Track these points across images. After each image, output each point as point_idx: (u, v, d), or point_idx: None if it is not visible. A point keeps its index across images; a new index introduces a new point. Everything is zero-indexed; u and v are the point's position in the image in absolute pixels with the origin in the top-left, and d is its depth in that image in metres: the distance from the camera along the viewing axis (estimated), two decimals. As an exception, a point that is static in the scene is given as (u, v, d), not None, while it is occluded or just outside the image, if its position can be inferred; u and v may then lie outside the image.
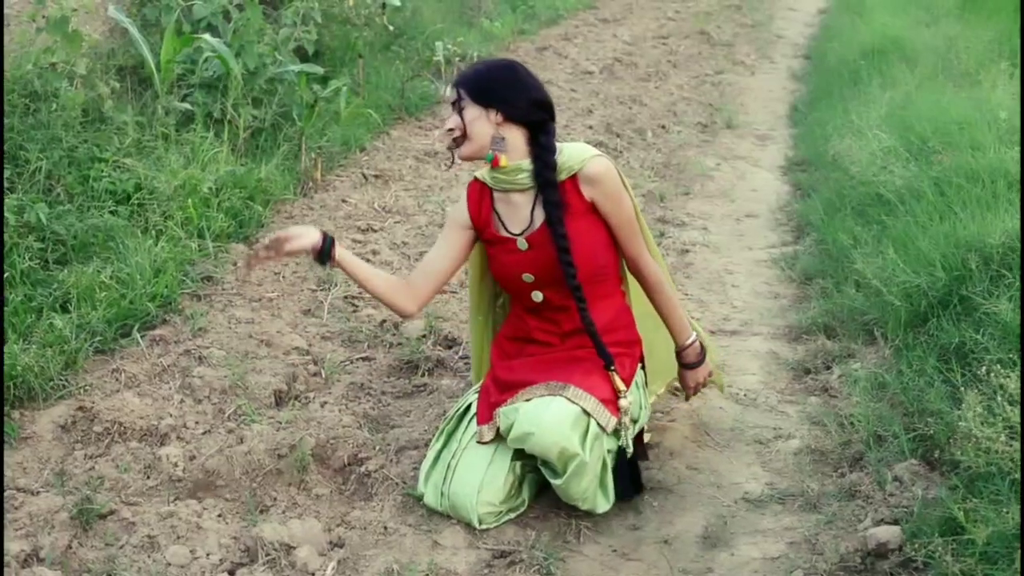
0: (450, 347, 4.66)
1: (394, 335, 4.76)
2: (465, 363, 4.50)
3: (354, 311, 5.02)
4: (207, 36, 6.46)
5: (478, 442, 3.55)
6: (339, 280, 5.24)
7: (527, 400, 3.46)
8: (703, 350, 3.90)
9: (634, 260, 3.67)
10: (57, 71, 5.83)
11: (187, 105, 6.36)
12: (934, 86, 7.34)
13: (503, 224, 3.63)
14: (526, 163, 3.52)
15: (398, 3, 8.68)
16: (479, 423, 3.60)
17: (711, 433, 4.08)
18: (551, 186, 3.49)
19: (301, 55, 7.47)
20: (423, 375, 4.45)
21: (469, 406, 3.70)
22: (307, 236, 3.51)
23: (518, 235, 3.59)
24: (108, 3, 6.79)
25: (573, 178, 3.52)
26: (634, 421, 3.61)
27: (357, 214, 6.22)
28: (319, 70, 7.02)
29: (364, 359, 4.60)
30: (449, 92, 3.58)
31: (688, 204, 6.73)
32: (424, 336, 4.73)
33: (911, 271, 4.51)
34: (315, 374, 4.44)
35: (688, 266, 5.71)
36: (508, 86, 3.52)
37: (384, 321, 4.88)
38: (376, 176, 6.85)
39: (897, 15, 10.50)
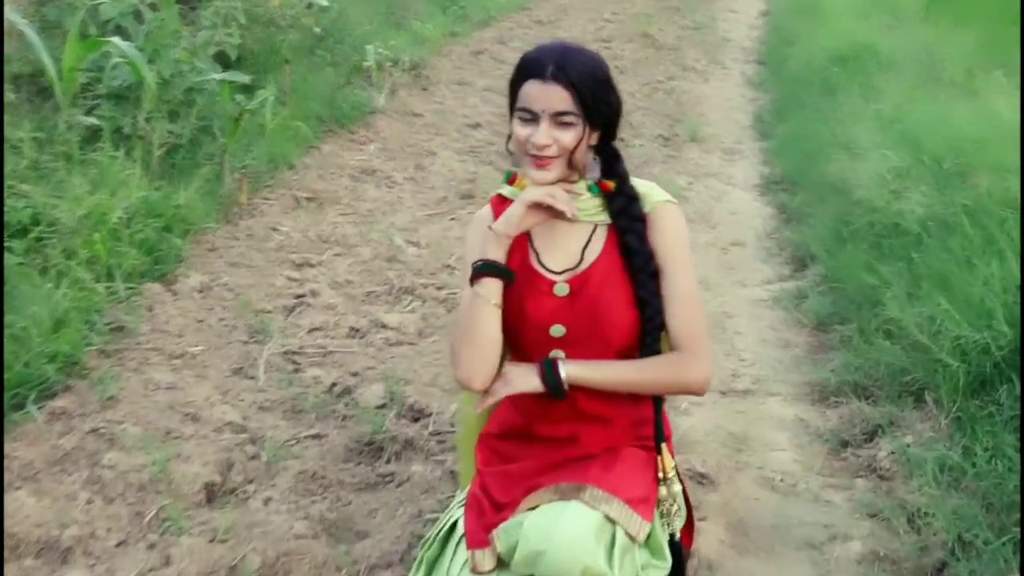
0: (417, 420, 3.85)
1: (347, 404, 3.95)
2: (438, 441, 3.69)
3: (296, 370, 4.21)
4: (116, 40, 5.91)
5: (472, 571, 2.69)
6: (273, 330, 4.42)
7: (532, 509, 2.63)
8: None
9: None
10: (-62, 80, 5.06)
11: (93, 119, 5.77)
12: (924, 96, 6.71)
13: (538, 257, 2.76)
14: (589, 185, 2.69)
15: (326, 3, 7.95)
16: (470, 547, 2.73)
17: (751, 533, 3.32)
18: (638, 219, 2.66)
19: (222, 61, 6.88)
20: (388, 460, 3.62)
21: (455, 524, 2.81)
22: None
23: (559, 274, 2.74)
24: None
25: None
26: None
27: (290, 245, 5.43)
28: (244, 78, 6.40)
29: (313, 437, 3.77)
30: (557, 96, 2.50)
31: (664, 230, 6.00)
32: (384, 405, 3.92)
33: (967, 324, 3.79)
34: (254, 457, 3.61)
35: (680, 307, 4.96)
36: (617, 98, 2.64)
37: (334, 385, 4.08)
38: (309, 199, 6.08)
39: (859, 19, 9.99)
